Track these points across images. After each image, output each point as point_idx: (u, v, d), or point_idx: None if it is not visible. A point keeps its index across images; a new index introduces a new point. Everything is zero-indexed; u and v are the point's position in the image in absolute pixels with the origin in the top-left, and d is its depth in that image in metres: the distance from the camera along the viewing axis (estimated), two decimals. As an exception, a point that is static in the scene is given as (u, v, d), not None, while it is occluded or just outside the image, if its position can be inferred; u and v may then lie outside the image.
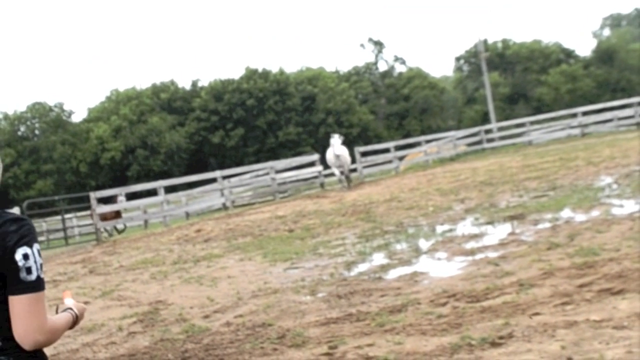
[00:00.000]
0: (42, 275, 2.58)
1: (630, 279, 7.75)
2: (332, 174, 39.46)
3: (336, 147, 28.66)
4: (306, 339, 7.51)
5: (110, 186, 46.10)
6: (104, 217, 27.28)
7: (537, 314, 7.06)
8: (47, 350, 2.71)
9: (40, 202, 28.98)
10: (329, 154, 29.29)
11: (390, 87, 73.83)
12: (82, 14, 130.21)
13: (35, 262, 2.55)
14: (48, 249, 25.72)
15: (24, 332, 2.53)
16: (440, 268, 10.37)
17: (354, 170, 36.04)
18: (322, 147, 62.36)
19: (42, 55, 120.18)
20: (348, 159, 29.75)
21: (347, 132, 67.55)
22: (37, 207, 30.47)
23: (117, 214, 28.72)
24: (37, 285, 2.55)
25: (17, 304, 2.52)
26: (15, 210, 25.81)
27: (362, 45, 77.39)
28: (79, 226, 32.30)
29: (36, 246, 2.58)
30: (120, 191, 30.49)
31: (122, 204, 28.85)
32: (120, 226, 29.50)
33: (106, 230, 28.25)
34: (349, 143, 60.54)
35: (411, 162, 36.90)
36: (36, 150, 66.51)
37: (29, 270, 2.53)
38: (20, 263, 2.52)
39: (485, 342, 6.41)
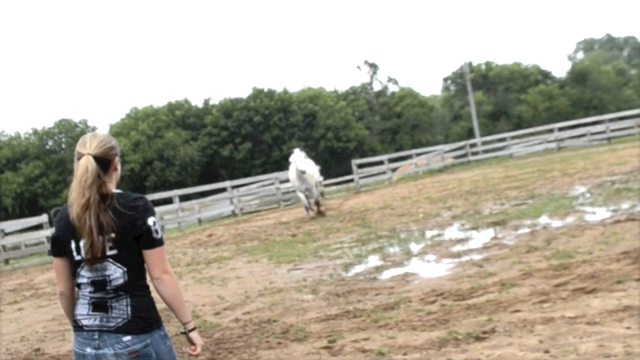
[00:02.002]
0: (162, 235, 3.43)
1: (602, 279, 7.76)
2: (333, 184, 39.23)
3: (298, 162, 21.16)
4: (308, 334, 7.51)
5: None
6: None
7: (517, 311, 7.07)
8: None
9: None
10: (291, 173, 21.61)
11: (384, 105, 73.75)
12: (105, 40, 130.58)
13: (158, 225, 3.40)
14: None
15: (160, 271, 3.39)
16: (430, 269, 10.38)
17: (350, 181, 35.89)
18: (322, 160, 62.40)
19: (68, 77, 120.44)
20: (316, 176, 22.49)
21: (345, 146, 67.60)
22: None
23: None
24: (162, 241, 3.42)
25: (154, 254, 3.37)
26: (44, 217, 25.79)
27: (358, 67, 77.37)
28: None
29: (155, 214, 3.43)
30: None
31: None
32: None
33: None
34: (346, 156, 60.86)
35: (403, 173, 36.88)
36: (63, 163, 66.32)
37: (157, 232, 3.38)
38: (153, 227, 3.36)
39: (470, 336, 6.42)
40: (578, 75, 73.10)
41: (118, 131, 68.56)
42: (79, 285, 3.42)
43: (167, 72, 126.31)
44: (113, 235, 3.30)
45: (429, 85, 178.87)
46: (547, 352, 5.65)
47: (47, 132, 69.30)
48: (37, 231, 26.60)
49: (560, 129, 38.85)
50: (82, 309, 3.38)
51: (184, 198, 31.11)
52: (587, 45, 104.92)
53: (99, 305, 3.35)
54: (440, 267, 10.36)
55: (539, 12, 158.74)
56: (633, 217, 11.58)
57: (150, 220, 3.37)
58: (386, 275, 10.44)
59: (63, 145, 69.23)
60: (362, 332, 7.22)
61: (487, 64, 77.32)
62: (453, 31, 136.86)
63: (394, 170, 36.32)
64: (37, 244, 27.55)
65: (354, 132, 68.97)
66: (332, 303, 8.96)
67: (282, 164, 62.14)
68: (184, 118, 69.21)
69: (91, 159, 3.36)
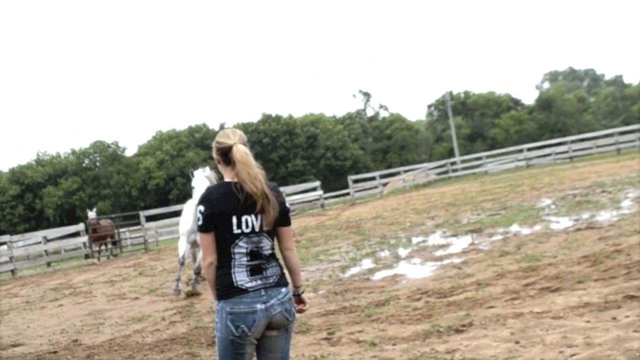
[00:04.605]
0: None
1: (565, 279, 7.77)
2: (332, 197, 39.10)
3: (198, 193, 10.74)
4: (310, 327, 7.51)
5: (156, 206, 45.98)
6: (97, 238, 24.62)
7: (491, 307, 7.07)
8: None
9: (101, 219, 28.93)
10: (187, 206, 12.64)
11: (375, 128, 73.87)
12: (134, 72, 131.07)
13: None
14: (105, 255, 25.63)
15: (291, 243, 3.72)
16: (416, 271, 10.38)
17: (346, 194, 35.74)
18: (322, 176, 62.40)
19: (102, 104, 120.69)
20: None
21: (342, 164, 67.63)
22: (110, 220, 30.37)
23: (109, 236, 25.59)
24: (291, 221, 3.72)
25: (289, 230, 3.68)
26: (80, 226, 25.76)
27: (354, 96, 77.68)
28: (131, 238, 32.17)
29: None
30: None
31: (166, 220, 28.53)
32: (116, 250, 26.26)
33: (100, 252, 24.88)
34: (343, 173, 60.88)
35: (392, 188, 36.88)
36: (97, 179, 66.40)
37: (289, 212, 3.68)
38: (289, 208, 3.65)
39: (451, 329, 6.42)
40: (544, 103, 73.30)
41: (145, 151, 68.71)
42: (233, 255, 3.50)
43: (188, 100, 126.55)
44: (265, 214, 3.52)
45: (415, 111, 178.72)
46: (517, 342, 5.66)
47: (84, 152, 69.44)
48: (75, 238, 26.61)
49: (529, 149, 38.86)
50: (242, 276, 3.48)
51: (203, 209, 30.96)
52: (552, 76, 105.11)
53: (255, 270, 3.50)
54: (425, 269, 10.36)
55: (510, 47, 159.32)
56: (592, 225, 11.60)
57: (287, 203, 3.66)
58: (378, 276, 10.44)
59: (97, 164, 69.36)
60: (357, 326, 7.22)
61: (466, 92, 77.55)
62: (436, 64, 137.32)
63: (384, 185, 36.33)
64: (74, 249, 27.52)
65: (350, 152, 69.08)
66: (330, 300, 8.97)
67: (287, 180, 62.29)
68: (202, 140, 69.32)
69: (243, 147, 3.57)
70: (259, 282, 3.49)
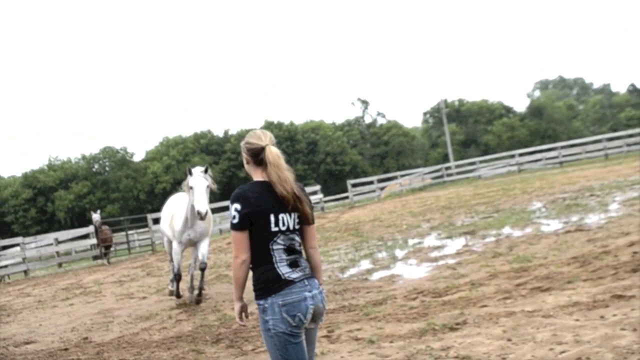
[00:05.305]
0: None
1: (555, 279, 7.78)
2: (332, 200, 39.09)
3: (197, 194, 9.65)
4: (310, 325, 7.51)
5: (162, 209, 45.93)
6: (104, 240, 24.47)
7: (484, 306, 7.08)
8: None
9: (109, 221, 28.92)
10: (177, 208, 11.14)
11: (373, 135, 73.89)
12: (142, 80, 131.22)
13: None
14: (115, 257, 25.64)
15: (315, 242, 3.66)
16: (412, 271, 10.38)
17: (345, 198, 35.75)
18: (322, 180, 62.39)
19: (111, 111, 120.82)
20: (210, 222, 11.21)
21: (341, 169, 67.62)
22: (107, 225, 30.36)
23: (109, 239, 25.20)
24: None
25: (314, 229, 3.64)
26: (90, 228, 25.73)
27: (352, 103, 77.82)
28: (139, 240, 32.17)
29: None
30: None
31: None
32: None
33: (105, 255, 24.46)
34: (342, 177, 60.93)
35: (389, 192, 36.87)
36: (106, 183, 66.40)
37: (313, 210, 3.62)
38: (313, 207, 3.60)
39: (446, 327, 6.42)
40: (535, 110, 73.36)
41: (152, 156, 68.70)
42: (273, 252, 3.47)
43: (193, 107, 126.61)
44: (298, 213, 3.52)
45: (411, 118, 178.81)
46: (509, 340, 5.66)
47: (94, 157, 69.48)
48: (85, 240, 26.62)
49: (521, 155, 38.84)
50: (285, 269, 3.46)
51: (208, 212, 30.96)
52: (543, 85, 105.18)
53: (293, 264, 3.49)
54: (421, 270, 10.35)
55: (502, 57, 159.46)
56: (581, 228, 11.60)
57: (312, 203, 3.62)
58: (375, 276, 10.44)
59: (107, 168, 69.39)
60: (356, 324, 7.22)
61: (460, 100, 77.61)
62: (431, 73, 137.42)
63: (382, 189, 36.32)
64: (85, 250, 27.51)
65: (348, 157, 69.10)
66: (330, 299, 8.95)
67: (289, 184, 62.26)
68: (207, 145, 69.35)
69: (275, 149, 3.55)
70: (300, 273, 3.49)
